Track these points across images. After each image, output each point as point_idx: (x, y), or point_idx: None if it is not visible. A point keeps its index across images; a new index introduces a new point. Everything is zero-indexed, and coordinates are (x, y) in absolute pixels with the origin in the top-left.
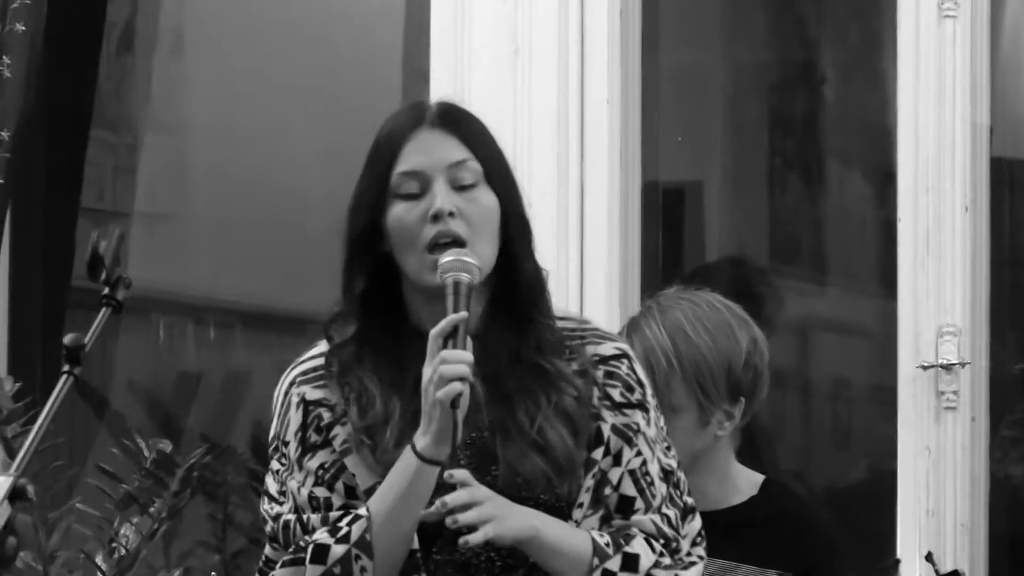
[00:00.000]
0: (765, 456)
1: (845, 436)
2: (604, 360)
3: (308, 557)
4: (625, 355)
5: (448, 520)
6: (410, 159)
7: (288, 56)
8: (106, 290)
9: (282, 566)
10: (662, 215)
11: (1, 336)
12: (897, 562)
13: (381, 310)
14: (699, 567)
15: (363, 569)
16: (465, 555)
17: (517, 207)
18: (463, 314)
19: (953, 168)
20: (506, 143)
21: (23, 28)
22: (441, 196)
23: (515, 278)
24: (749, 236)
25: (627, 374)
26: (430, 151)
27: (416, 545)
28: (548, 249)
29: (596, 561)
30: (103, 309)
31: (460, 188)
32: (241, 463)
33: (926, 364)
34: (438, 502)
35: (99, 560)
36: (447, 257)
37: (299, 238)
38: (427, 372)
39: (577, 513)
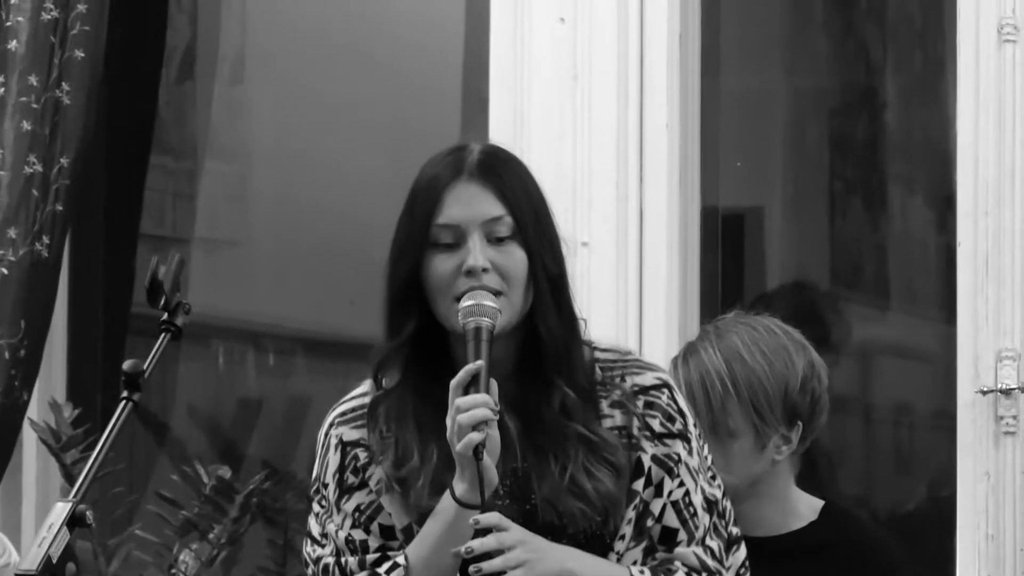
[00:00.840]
0: (826, 481)
1: (906, 461)
2: (644, 390)
3: None
4: (665, 385)
5: (471, 568)
6: (448, 211)
7: (348, 81)
8: (165, 316)
9: None
10: (722, 240)
11: (61, 362)
12: None
13: (424, 356)
14: None
15: None
16: None
17: (546, 263)
18: (479, 363)
19: (1013, 192)
20: (565, 168)
21: (83, 55)
22: (475, 252)
23: (538, 338)
24: (810, 261)
25: (667, 404)
26: (468, 204)
27: None
28: (607, 275)
29: None
30: (162, 335)
31: (496, 240)
32: (301, 489)
33: (985, 389)
34: (464, 548)
35: None
36: (467, 301)
37: (360, 264)
38: (449, 423)
39: (619, 545)
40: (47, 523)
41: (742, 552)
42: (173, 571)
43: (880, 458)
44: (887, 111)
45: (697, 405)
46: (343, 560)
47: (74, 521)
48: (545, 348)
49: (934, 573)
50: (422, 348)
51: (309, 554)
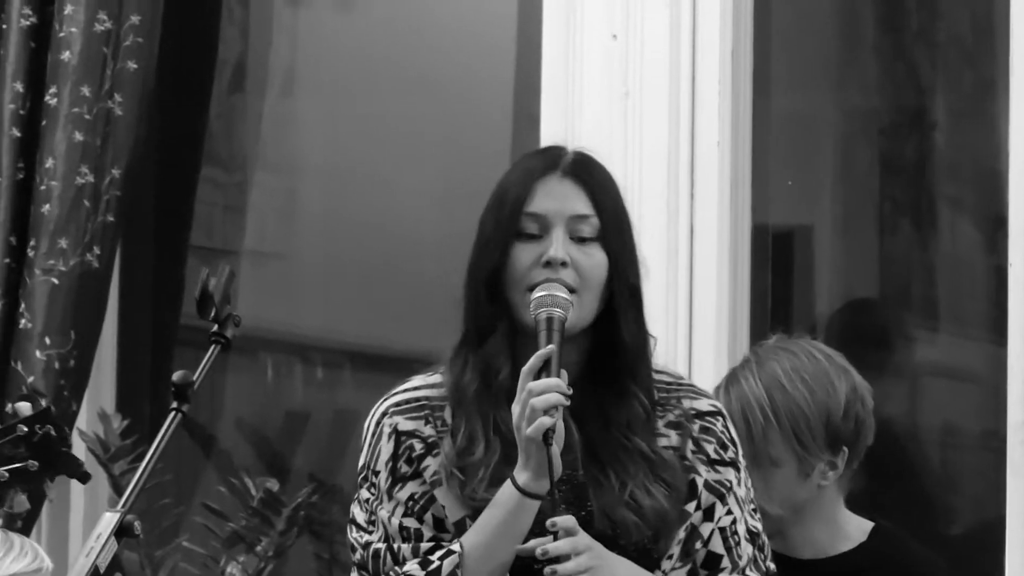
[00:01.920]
0: (875, 502)
1: (954, 483)
2: (700, 415)
3: None
4: (720, 413)
5: (547, 570)
6: (537, 202)
7: (398, 97)
8: (215, 327)
9: None
10: (772, 259)
11: (110, 373)
12: None
13: (496, 349)
14: None
15: None
16: None
17: (626, 270)
18: (551, 348)
19: None
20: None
21: (135, 66)
22: (557, 244)
23: (615, 340)
24: (859, 281)
25: (722, 431)
26: (557, 198)
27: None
28: (657, 293)
29: None
30: (212, 346)
31: (578, 240)
32: (347, 503)
33: None
34: (539, 549)
35: None
36: (539, 292)
37: (409, 278)
38: (516, 409)
39: (666, 564)
40: (95, 533)
41: None
42: None
43: (929, 480)
44: (937, 131)
45: (739, 434)
46: (395, 546)
47: (122, 531)
48: (624, 354)
49: None
50: (504, 348)
51: (356, 539)
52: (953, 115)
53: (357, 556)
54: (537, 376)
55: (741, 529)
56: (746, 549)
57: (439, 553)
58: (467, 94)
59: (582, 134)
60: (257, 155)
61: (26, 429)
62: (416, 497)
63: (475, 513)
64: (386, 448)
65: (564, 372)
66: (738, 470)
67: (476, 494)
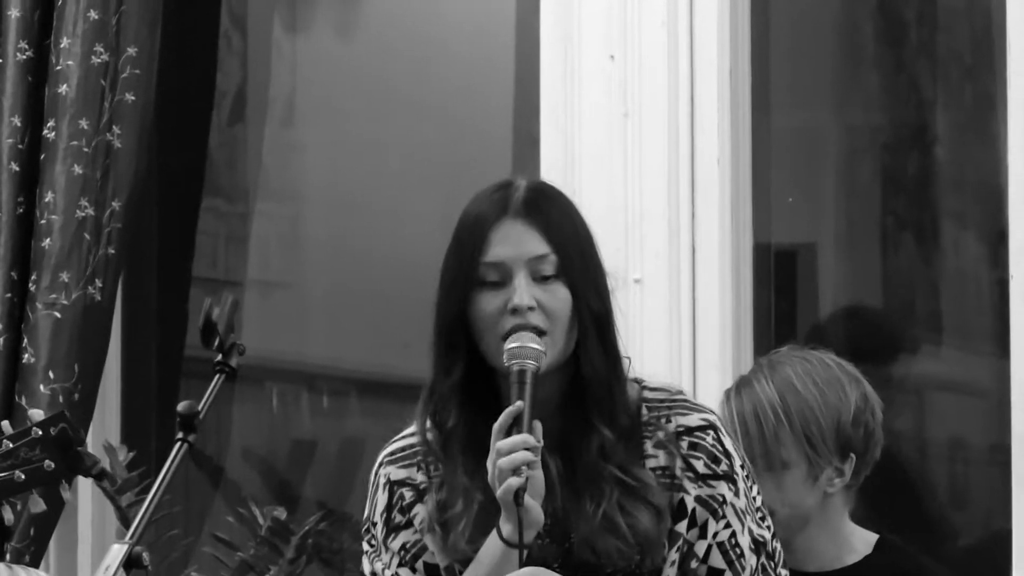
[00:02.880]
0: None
1: (960, 496)
2: (689, 431)
3: None
4: (711, 426)
5: None
6: (494, 250)
7: (399, 122)
8: (219, 357)
9: None
10: (774, 277)
11: (115, 405)
12: None
13: (471, 396)
14: None
15: None
16: None
17: (590, 302)
18: (518, 404)
19: None
20: (616, 206)
21: (133, 98)
22: (521, 290)
23: (582, 376)
24: (863, 297)
25: (712, 445)
26: (514, 244)
27: None
28: (660, 312)
29: None
30: (217, 376)
31: (541, 279)
32: (357, 530)
33: None
34: None
35: None
36: (513, 343)
37: (413, 305)
38: (489, 467)
39: None
40: (103, 565)
41: None
42: None
43: (934, 493)
44: (938, 147)
45: (750, 436)
46: None
47: (131, 563)
48: (588, 388)
49: None
50: (469, 388)
51: None
52: (954, 130)
53: None
54: (508, 432)
55: (743, 541)
56: (750, 560)
57: None
58: (467, 118)
59: (582, 155)
60: (259, 184)
61: (40, 432)
62: (408, 546)
63: (462, 562)
64: (381, 499)
65: (538, 424)
66: (733, 482)
67: (458, 546)
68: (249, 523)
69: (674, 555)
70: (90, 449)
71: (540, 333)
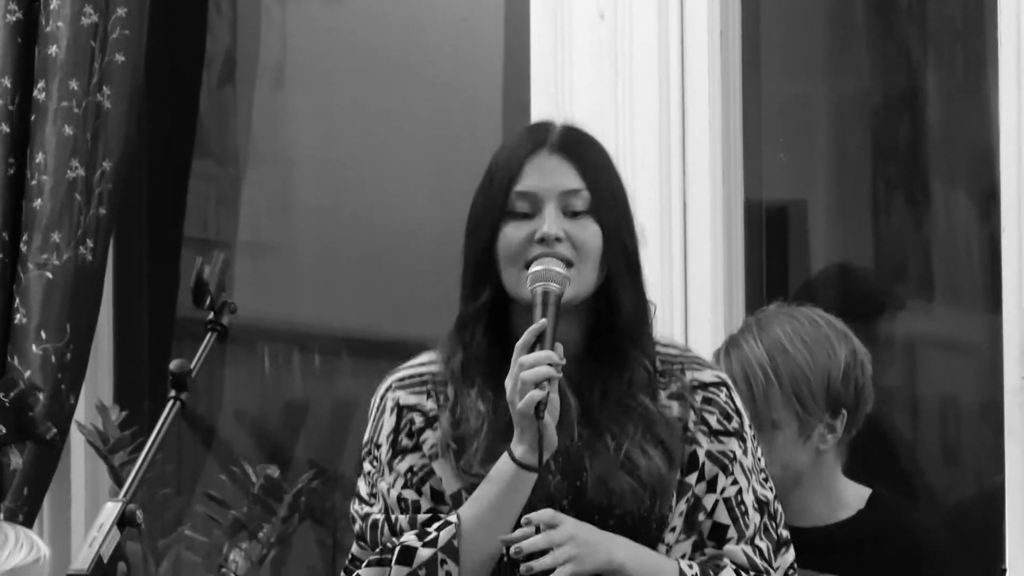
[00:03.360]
0: (873, 472)
1: (953, 452)
2: (703, 386)
3: (394, 558)
4: (724, 383)
5: (523, 567)
6: (527, 180)
7: (387, 88)
8: (211, 316)
9: (367, 565)
10: (766, 234)
11: (107, 365)
12: (1003, 571)
13: (491, 327)
14: None
15: (448, 574)
16: None
17: (620, 240)
18: (542, 322)
19: None
20: None
21: (123, 59)
22: (550, 221)
23: (614, 309)
24: (854, 254)
25: (725, 402)
26: (546, 175)
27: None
28: (652, 270)
29: None
30: (209, 334)
31: (571, 214)
32: (349, 489)
33: None
34: (513, 548)
35: None
36: (537, 266)
37: (404, 266)
38: (508, 383)
39: (670, 536)
40: (97, 523)
41: (790, 554)
42: (223, 571)
43: (927, 449)
44: (929, 110)
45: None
46: (393, 517)
47: (124, 521)
48: (621, 320)
49: (983, 562)
50: (493, 314)
51: (357, 511)
52: (944, 92)
53: (356, 527)
54: (531, 350)
55: (748, 499)
56: (754, 518)
57: (436, 524)
58: (457, 83)
59: (573, 114)
60: (249, 148)
61: None
62: (415, 469)
63: (471, 487)
64: (388, 422)
65: (559, 345)
66: (743, 440)
67: (471, 468)
68: (242, 482)
69: (682, 506)
70: (82, 409)
71: (568, 264)
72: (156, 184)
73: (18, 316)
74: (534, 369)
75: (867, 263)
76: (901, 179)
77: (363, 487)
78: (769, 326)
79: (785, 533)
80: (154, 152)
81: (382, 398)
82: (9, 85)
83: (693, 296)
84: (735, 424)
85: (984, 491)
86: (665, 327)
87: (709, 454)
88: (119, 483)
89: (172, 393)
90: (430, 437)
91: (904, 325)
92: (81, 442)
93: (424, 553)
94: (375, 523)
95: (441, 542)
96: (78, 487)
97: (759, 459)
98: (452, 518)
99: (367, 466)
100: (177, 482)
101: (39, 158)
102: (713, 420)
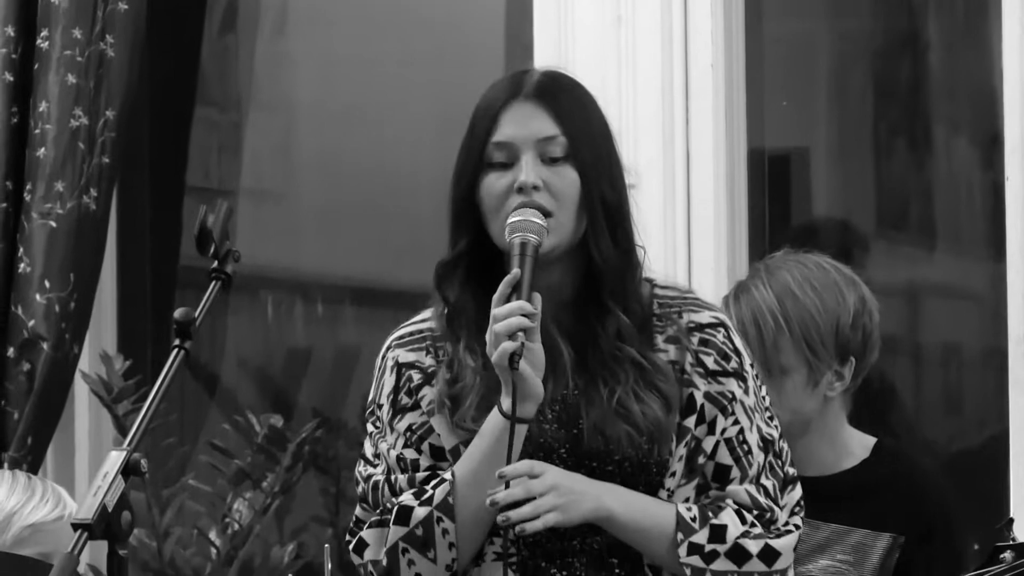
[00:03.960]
0: (877, 420)
1: (956, 400)
2: (700, 327)
3: (392, 518)
4: (722, 324)
5: (499, 518)
6: (503, 130)
7: (390, 33)
8: (215, 264)
9: (369, 527)
10: (768, 182)
11: (110, 314)
12: (1011, 521)
13: (480, 277)
14: (794, 536)
15: (445, 531)
16: None
17: (598, 186)
18: (515, 272)
19: None
20: (611, 112)
21: (126, 7)
22: (527, 169)
23: (591, 258)
24: (856, 202)
25: (723, 343)
26: (522, 124)
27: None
28: (655, 218)
29: (680, 536)
30: (213, 283)
31: (550, 161)
32: (352, 438)
33: None
34: (488, 500)
35: (213, 536)
36: (514, 217)
37: (406, 213)
38: (488, 337)
39: (670, 482)
40: (101, 472)
41: (798, 491)
42: (227, 520)
43: (930, 398)
44: (930, 52)
45: (750, 342)
46: (393, 478)
47: (128, 470)
48: (599, 273)
49: (987, 510)
50: (475, 266)
51: (360, 473)
52: (946, 36)
53: (359, 490)
54: (507, 301)
55: (752, 438)
56: (757, 458)
57: (433, 482)
58: (459, 27)
59: (576, 62)
60: (251, 95)
61: None
62: (414, 427)
63: (467, 441)
64: (388, 381)
65: (537, 295)
66: (743, 380)
67: (464, 423)
68: (245, 431)
69: (682, 450)
70: (86, 358)
71: (546, 214)
72: (159, 132)
73: (22, 265)
74: (506, 321)
75: (869, 210)
76: (903, 125)
77: (368, 448)
78: (778, 271)
79: (792, 471)
80: (156, 100)
81: (383, 357)
82: (12, 34)
83: (696, 243)
84: (733, 364)
85: (987, 438)
86: (669, 273)
87: (708, 395)
88: (123, 432)
89: (176, 342)
90: (428, 393)
91: (906, 272)
92: (85, 391)
93: (420, 512)
94: (376, 484)
95: (436, 500)
96: (82, 436)
97: (763, 397)
98: (447, 475)
99: (370, 427)
100: (181, 431)
101: (42, 107)
102: (710, 361)
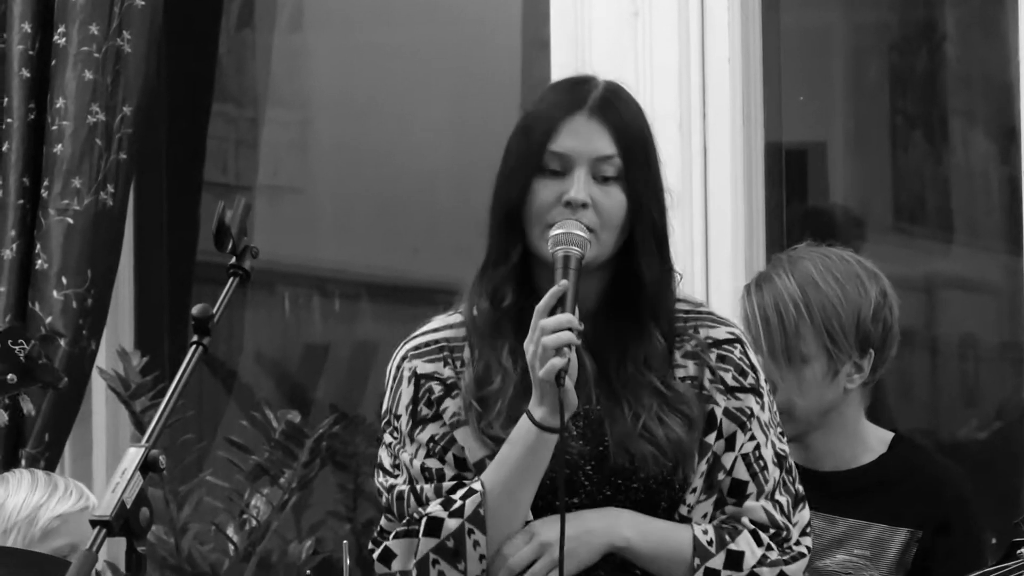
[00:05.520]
0: (894, 414)
1: (972, 393)
2: (717, 344)
3: (421, 530)
4: (738, 340)
5: None
6: (562, 141)
7: (408, 27)
8: (233, 260)
9: (395, 537)
10: (785, 176)
11: (128, 310)
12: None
13: (514, 284)
14: (804, 561)
15: (476, 543)
16: None
17: (648, 209)
18: (564, 283)
19: None
20: None
21: (143, 3)
22: (579, 185)
23: (636, 275)
24: (873, 195)
25: (740, 358)
26: (582, 138)
27: (531, 517)
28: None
29: (697, 561)
30: (231, 279)
31: (601, 179)
32: (370, 433)
33: None
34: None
35: (230, 532)
36: (557, 230)
37: (424, 208)
38: (529, 348)
39: (691, 498)
40: (120, 468)
41: (807, 512)
42: (244, 516)
43: (947, 391)
44: (947, 44)
45: (771, 330)
46: (418, 487)
47: (147, 466)
48: (644, 290)
49: (1003, 503)
50: (524, 271)
51: (382, 484)
52: (963, 27)
53: (383, 500)
54: (551, 314)
55: (767, 454)
56: (773, 473)
57: (461, 492)
58: (476, 22)
59: (592, 57)
60: (268, 90)
61: None
62: (437, 439)
63: (494, 454)
64: (406, 392)
65: (578, 310)
66: (759, 395)
67: (492, 429)
68: (263, 427)
69: (703, 466)
70: (104, 355)
71: (588, 231)
72: (176, 128)
73: (39, 262)
74: (555, 335)
75: (886, 203)
76: (919, 118)
77: (386, 459)
78: (800, 262)
79: (800, 489)
80: (174, 96)
81: (398, 368)
82: (29, 30)
83: (714, 237)
84: (751, 380)
85: (1004, 431)
86: (686, 271)
87: (727, 412)
88: (140, 429)
89: (194, 338)
90: (450, 406)
91: (922, 265)
92: (102, 388)
93: (451, 524)
94: (400, 494)
95: (467, 512)
96: (99, 433)
97: (775, 413)
98: (476, 486)
99: (387, 437)
100: (199, 427)
101: (59, 103)
102: (729, 377)
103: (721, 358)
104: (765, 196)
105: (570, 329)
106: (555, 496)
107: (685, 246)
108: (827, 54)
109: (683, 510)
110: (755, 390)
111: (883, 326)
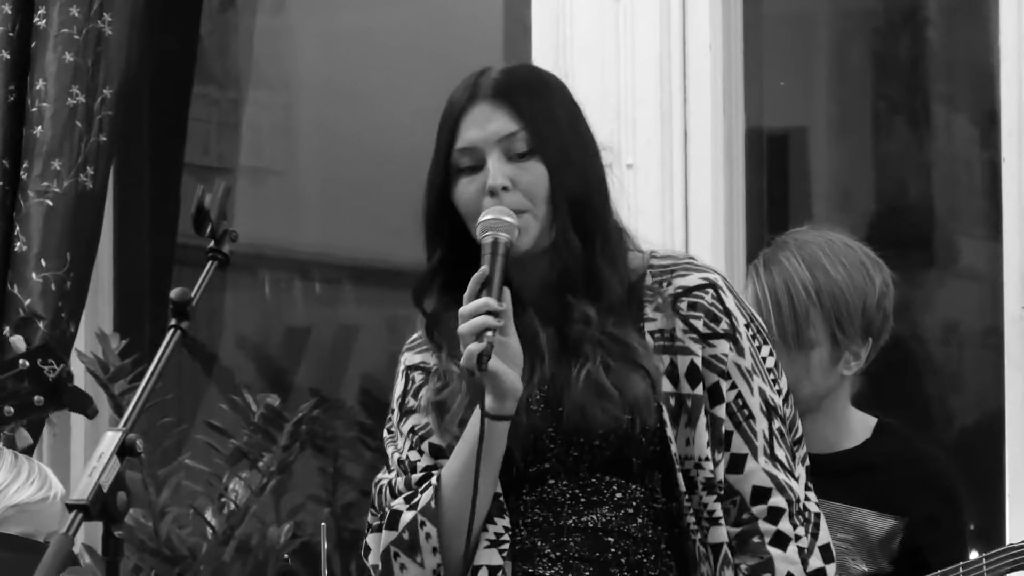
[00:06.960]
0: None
1: (954, 379)
2: (688, 291)
3: (384, 523)
4: (711, 284)
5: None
6: (465, 135)
7: (390, 10)
8: (212, 243)
9: (370, 531)
10: (767, 161)
11: (107, 292)
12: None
13: (458, 283)
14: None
15: (428, 535)
16: (551, 493)
17: (564, 179)
18: (483, 270)
19: None
20: (609, 92)
21: None
22: (493, 171)
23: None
24: (854, 181)
25: (711, 304)
26: (482, 125)
27: (499, 488)
28: (652, 197)
29: None
30: (210, 263)
31: (516, 157)
32: (350, 417)
33: None
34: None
35: (209, 515)
36: (485, 216)
37: (406, 191)
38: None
39: (707, 466)
40: (97, 452)
41: (806, 462)
42: (223, 500)
43: (929, 376)
44: (929, 29)
45: (782, 313)
46: (394, 481)
47: (124, 450)
48: (565, 266)
49: (984, 489)
50: (453, 273)
51: (376, 479)
52: (945, 12)
53: (372, 494)
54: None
55: (753, 402)
56: (761, 424)
57: (424, 485)
58: (459, 4)
59: (574, 41)
60: (251, 71)
61: (28, 364)
62: (416, 428)
63: (456, 439)
64: (399, 386)
65: (507, 291)
66: (735, 340)
67: (452, 428)
68: (242, 410)
69: (704, 429)
70: (83, 337)
71: (519, 212)
72: (157, 110)
73: (18, 244)
74: (470, 322)
75: (868, 189)
76: (901, 103)
77: (389, 454)
78: (808, 245)
79: (800, 435)
80: (155, 78)
81: (399, 363)
82: (9, 11)
83: (694, 223)
84: (724, 326)
85: (985, 417)
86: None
87: (705, 361)
88: (119, 412)
89: (173, 321)
90: (426, 393)
91: (905, 251)
92: (81, 371)
93: (407, 516)
94: (381, 488)
95: (421, 504)
96: (78, 416)
97: (763, 359)
98: (434, 479)
99: (386, 433)
100: (178, 411)
101: (40, 85)
102: (700, 324)
103: (692, 305)
104: (746, 181)
105: (490, 312)
106: (526, 466)
107: (665, 231)
108: (809, 39)
109: (699, 474)
110: (728, 335)
111: (883, 315)
